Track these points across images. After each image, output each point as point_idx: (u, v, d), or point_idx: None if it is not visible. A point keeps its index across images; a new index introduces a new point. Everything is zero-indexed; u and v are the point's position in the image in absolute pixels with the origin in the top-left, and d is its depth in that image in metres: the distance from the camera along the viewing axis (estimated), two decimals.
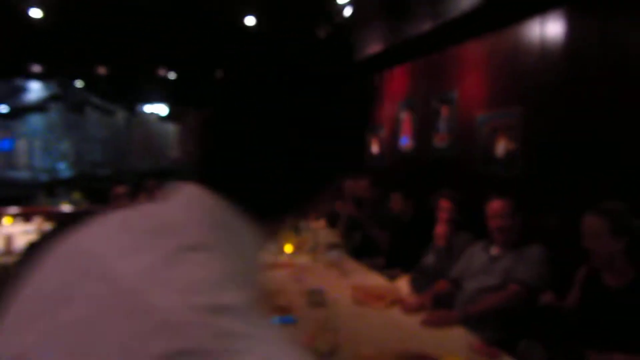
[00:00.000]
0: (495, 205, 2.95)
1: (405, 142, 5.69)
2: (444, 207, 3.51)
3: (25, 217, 5.94)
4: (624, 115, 2.87)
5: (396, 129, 5.91)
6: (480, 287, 2.85)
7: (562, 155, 3.30)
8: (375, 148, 6.68)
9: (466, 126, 4.41)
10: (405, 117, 5.68)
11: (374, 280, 3.44)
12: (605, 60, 2.98)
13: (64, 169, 9.17)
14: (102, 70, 7.70)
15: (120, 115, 9.05)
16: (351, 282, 3.32)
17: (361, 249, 4.99)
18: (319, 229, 5.71)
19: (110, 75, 7.90)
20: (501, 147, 3.88)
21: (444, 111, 4.80)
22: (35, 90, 8.86)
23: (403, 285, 3.15)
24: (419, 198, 4.40)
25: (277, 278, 3.47)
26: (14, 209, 6.44)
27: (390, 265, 4.30)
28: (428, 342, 2.31)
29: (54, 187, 8.09)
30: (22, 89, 8.84)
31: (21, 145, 8.97)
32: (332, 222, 5.45)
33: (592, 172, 3.07)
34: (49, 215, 5.64)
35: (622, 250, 2.27)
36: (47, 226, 5.77)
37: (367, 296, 2.90)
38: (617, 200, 2.38)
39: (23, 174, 8.97)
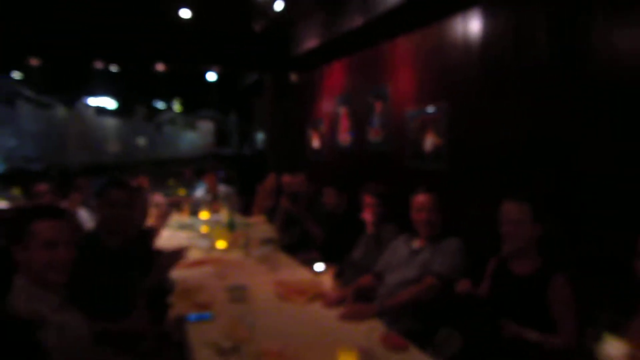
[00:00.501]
0: (420, 199, 2.99)
1: (343, 137, 5.72)
2: (368, 202, 3.55)
3: None
4: (543, 109, 2.95)
5: (334, 123, 5.94)
6: (400, 281, 2.89)
7: (483, 149, 3.39)
8: (315, 143, 6.69)
9: (398, 121, 4.47)
10: (342, 112, 5.71)
11: (303, 274, 3.45)
12: (518, 55, 3.07)
13: None
14: (34, 62, 7.38)
15: (57, 109, 8.74)
16: (278, 277, 3.32)
17: (297, 244, 5.00)
18: (256, 224, 5.70)
19: (45, 68, 7.61)
20: (429, 141, 3.95)
21: (378, 106, 4.84)
22: None
23: (327, 279, 3.15)
24: (353, 192, 4.42)
25: (201, 274, 3.43)
26: None
27: (325, 259, 4.31)
28: (343, 335, 2.33)
29: None
30: None
31: None
32: (272, 217, 5.43)
33: (512, 166, 3.16)
34: None
35: (536, 237, 2.34)
36: None
37: (289, 291, 2.90)
38: (534, 189, 2.45)
39: None
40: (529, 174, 3.00)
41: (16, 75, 8.03)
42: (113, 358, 2.04)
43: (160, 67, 7.12)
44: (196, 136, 9.34)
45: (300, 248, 4.90)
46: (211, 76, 7.95)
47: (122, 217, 2.73)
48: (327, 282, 3.10)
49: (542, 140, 2.94)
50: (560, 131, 2.82)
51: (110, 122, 9.06)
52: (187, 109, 9.65)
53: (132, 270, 2.82)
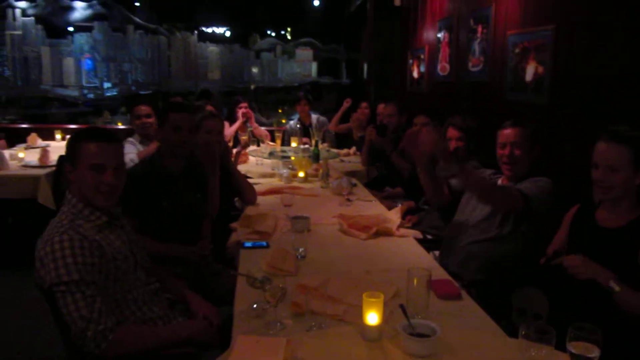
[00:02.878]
0: (505, 132, 2.64)
1: (442, 66, 5.29)
2: (450, 135, 3.23)
3: None
4: None
5: (435, 52, 5.49)
6: (477, 220, 2.62)
7: (590, 81, 2.89)
8: (415, 72, 6.29)
9: (499, 48, 3.99)
10: (444, 39, 5.25)
11: (376, 209, 3.27)
12: None
13: (109, 87, 9.40)
14: None
15: (162, 36, 9.06)
16: (347, 210, 3.18)
17: (383, 178, 4.80)
18: (347, 156, 5.56)
19: None
20: (530, 71, 3.47)
21: (479, 31, 4.35)
22: (79, 9, 8.95)
23: (396, 216, 2.94)
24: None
25: (271, 202, 3.38)
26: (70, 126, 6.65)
27: (410, 196, 4.09)
28: (392, 276, 2.12)
29: (100, 106, 8.34)
30: (68, 8, 8.95)
31: (69, 63, 9.19)
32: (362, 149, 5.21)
33: (618, 102, 2.66)
34: None
35: (636, 186, 1.93)
36: None
37: (352, 225, 2.75)
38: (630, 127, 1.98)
39: (72, 92, 9.26)
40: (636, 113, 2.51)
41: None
42: (153, 281, 2.03)
43: None
44: (296, 64, 9.22)
45: (386, 183, 4.70)
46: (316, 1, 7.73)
47: (184, 141, 2.69)
48: (395, 219, 2.90)
49: None
50: None
51: (212, 50, 9.22)
52: (295, 37, 9.53)
53: (195, 193, 2.82)
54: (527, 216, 2.46)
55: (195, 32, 9.35)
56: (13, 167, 4.77)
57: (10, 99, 8.72)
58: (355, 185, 3.96)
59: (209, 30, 9.48)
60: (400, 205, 3.32)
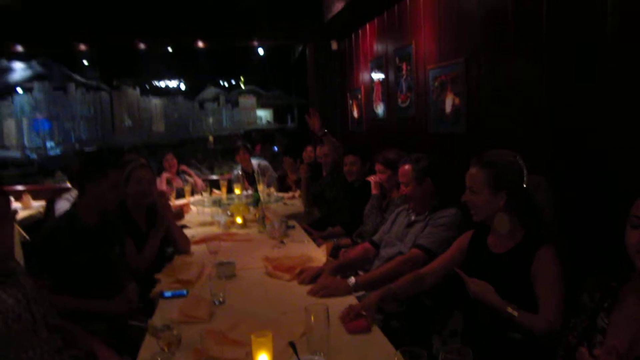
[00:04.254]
0: (402, 171, 2.72)
1: (377, 104, 5.41)
2: (377, 169, 3.32)
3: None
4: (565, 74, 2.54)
5: (370, 91, 5.63)
6: (392, 255, 2.63)
7: (501, 112, 3.00)
8: (355, 112, 6.41)
9: (421, 83, 4.12)
10: (376, 78, 5.39)
11: (308, 250, 3.25)
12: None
13: (52, 147, 9.27)
14: (82, 47, 7.60)
15: (104, 92, 9.09)
16: (279, 252, 3.16)
17: (325, 219, 4.79)
18: (290, 199, 5.57)
19: (93, 52, 7.88)
20: (449, 102, 3.59)
21: (404, 69, 4.50)
22: (19, 70, 8.90)
23: (322, 255, 2.93)
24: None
25: (198, 250, 3.34)
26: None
27: (349, 234, 4.10)
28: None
29: (44, 166, 8.22)
30: (7, 70, 8.90)
31: (10, 124, 9.05)
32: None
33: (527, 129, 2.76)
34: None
35: (502, 208, 1.97)
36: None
37: (276, 267, 2.73)
38: (509, 151, 2.04)
39: (14, 153, 9.10)
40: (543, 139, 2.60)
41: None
42: (56, 339, 1.94)
43: (200, 44, 7.09)
44: (240, 112, 9.29)
45: (328, 223, 4.69)
46: (261, 51, 7.92)
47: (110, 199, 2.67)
48: (322, 257, 2.89)
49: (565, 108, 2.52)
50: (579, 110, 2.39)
51: (156, 102, 9.25)
52: (245, 85, 9.67)
53: (113, 247, 2.76)
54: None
55: (138, 87, 9.40)
56: None
57: None
58: (292, 227, 3.96)
59: (162, 84, 9.56)
60: (331, 242, 3.33)
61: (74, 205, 2.73)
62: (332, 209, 4.68)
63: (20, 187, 6.83)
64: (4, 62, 8.16)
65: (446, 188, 2.71)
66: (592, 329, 1.44)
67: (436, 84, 3.79)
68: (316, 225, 4.59)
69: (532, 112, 2.67)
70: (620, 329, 1.38)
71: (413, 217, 2.73)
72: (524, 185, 1.94)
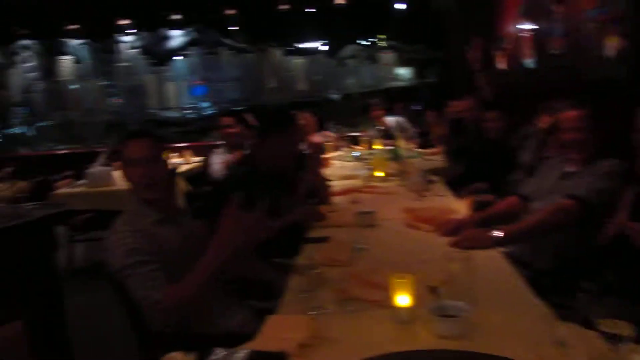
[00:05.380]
0: (568, 116, 2.50)
1: (525, 52, 5.06)
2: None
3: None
4: None
5: (518, 39, 5.27)
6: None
7: None
8: (501, 63, 6.05)
9: (578, 25, 3.76)
10: (525, 24, 5.02)
11: (450, 204, 3.20)
12: None
13: (206, 107, 10.01)
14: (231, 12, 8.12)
15: (250, 54, 9.60)
16: (420, 205, 3.15)
17: (465, 175, 4.65)
18: (430, 155, 5.49)
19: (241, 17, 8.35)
20: (610, 45, 3.25)
21: (558, 11, 4.13)
22: (176, 37, 9.69)
23: (464, 208, 2.86)
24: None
25: (341, 200, 3.44)
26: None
27: (494, 189, 3.96)
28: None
29: (200, 125, 8.99)
30: (167, 38, 9.73)
31: (170, 88, 9.91)
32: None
33: None
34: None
35: None
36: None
37: (417, 218, 2.73)
38: None
39: (174, 114, 9.99)
40: None
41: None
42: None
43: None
44: (378, 69, 9.16)
45: (472, 179, 4.55)
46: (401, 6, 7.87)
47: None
48: (464, 212, 2.82)
49: None
50: None
51: (298, 62, 9.53)
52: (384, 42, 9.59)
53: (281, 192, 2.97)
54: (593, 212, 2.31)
55: (282, 49, 9.75)
56: (122, 183, 5.24)
57: (120, 124, 9.62)
58: (433, 182, 3.92)
59: (304, 45, 9.89)
60: (475, 197, 3.23)
61: (251, 154, 2.95)
62: (475, 165, 4.53)
63: (181, 144, 7.51)
64: (164, 31, 8.99)
65: (604, 140, 2.48)
66: None
67: (594, 25, 3.43)
68: (458, 181, 4.48)
69: None
70: None
71: (569, 168, 2.54)
72: None
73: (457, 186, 4.28)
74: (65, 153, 8.87)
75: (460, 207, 2.91)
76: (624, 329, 1.21)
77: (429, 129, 6.22)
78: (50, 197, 4.80)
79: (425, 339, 1.44)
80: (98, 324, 3.63)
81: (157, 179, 1.99)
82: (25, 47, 9.71)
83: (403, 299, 1.50)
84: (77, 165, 5.90)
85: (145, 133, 2.07)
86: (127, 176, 2.00)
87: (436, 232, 2.54)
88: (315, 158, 4.68)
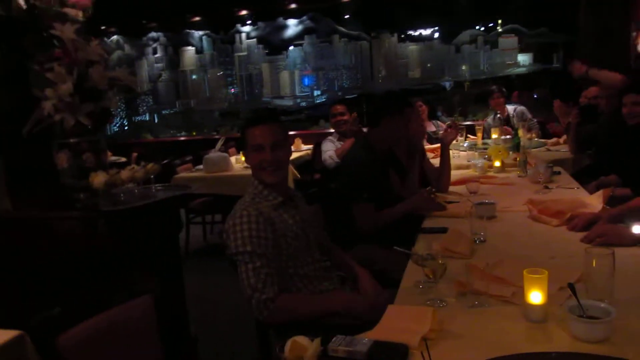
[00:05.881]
0: None
1: None
2: None
3: None
4: None
5: None
6: None
7: None
8: None
9: None
10: None
11: (578, 196, 2.95)
12: None
13: (317, 95, 10.14)
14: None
15: (364, 42, 9.56)
16: (543, 197, 2.94)
17: (596, 166, 4.28)
18: (553, 145, 5.12)
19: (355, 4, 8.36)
20: None
21: None
22: (292, 26, 9.89)
23: (597, 202, 2.61)
24: None
25: (459, 190, 3.31)
26: None
27: (627, 183, 3.60)
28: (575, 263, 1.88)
29: (311, 113, 9.14)
30: (283, 27, 9.97)
31: (284, 76, 10.15)
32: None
33: None
34: None
35: None
36: None
37: (542, 211, 2.54)
38: None
39: (287, 102, 10.23)
40: None
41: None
42: (325, 260, 2.16)
43: None
44: (500, 54, 8.61)
45: (600, 171, 4.18)
46: None
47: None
48: (596, 204, 2.58)
49: None
50: None
51: (412, 49, 9.29)
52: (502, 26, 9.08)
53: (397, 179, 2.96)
54: None
55: (396, 34, 9.58)
56: (237, 169, 5.46)
57: (234, 112, 10.06)
58: (558, 173, 3.66)
59: (418, 32, 9.69)
60: (609, 189, 2.93)
61: (365, 140, 2.95)
62: (606, 156, 4.14)
63: (292, 132, 7.67)
64: (281, 20, 9.27)
65: None
66: None
67: None
68: (585, 173, 4.13)
69: None
70: None
71: None
72: None
73: (585, 178, 3.96)
74: (185, 140, 9.43)
75: (590, 201, 2.66)
76: None
77: (551, 118, 5.81)
78: (173, 180, 5.09)
79: (560, 340, 1.31)
80: (213, 303, 3.82)
81: (283, 163, 2.01)
82: (154, 39, 10.42)
83: (536, 296, 1.37)
84: (195, 151, 6.22)
85: (272, 118, 2.09)
86: (253, 160, 2.02)
87: (564, 227, 2.35)
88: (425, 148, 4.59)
